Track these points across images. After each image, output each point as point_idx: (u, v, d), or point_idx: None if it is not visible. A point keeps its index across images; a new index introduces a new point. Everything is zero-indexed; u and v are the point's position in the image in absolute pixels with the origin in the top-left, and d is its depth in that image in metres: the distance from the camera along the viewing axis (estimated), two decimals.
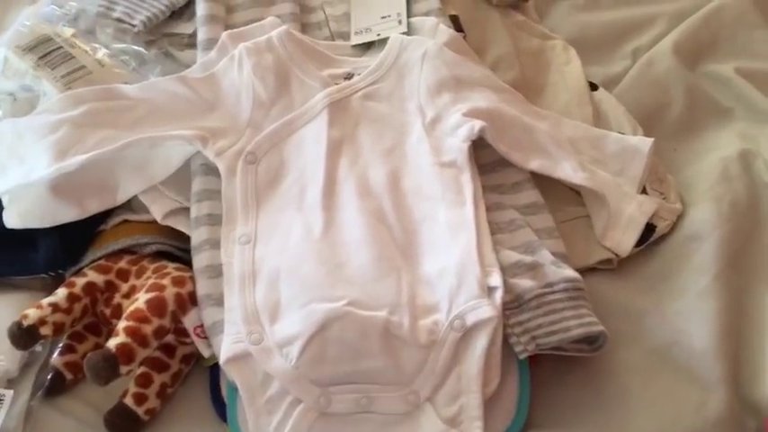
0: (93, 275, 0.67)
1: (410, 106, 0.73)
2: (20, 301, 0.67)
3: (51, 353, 0.66)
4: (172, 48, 0.83)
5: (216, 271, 0.66)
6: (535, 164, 0.72)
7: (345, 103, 0.73)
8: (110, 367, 0.59)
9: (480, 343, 0.60)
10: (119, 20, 0.82)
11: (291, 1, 0.83)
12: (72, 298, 0.65)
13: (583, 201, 0.75)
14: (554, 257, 0.66)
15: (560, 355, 0.63)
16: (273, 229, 0.67)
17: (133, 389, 0.63)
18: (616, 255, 0.72)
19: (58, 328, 0.63)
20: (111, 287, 0.67)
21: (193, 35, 0.82)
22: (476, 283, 0.62)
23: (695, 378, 0.63)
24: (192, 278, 0.66)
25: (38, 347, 0.65)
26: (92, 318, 0.67)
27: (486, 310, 0.60)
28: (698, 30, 0.91)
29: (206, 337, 0.64)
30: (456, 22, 0.83)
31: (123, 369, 0.60)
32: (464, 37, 0.81)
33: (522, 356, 0.62)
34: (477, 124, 0.70)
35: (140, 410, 0.62)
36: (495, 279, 0.62)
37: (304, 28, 0.83)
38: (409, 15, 0.81)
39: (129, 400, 0.62)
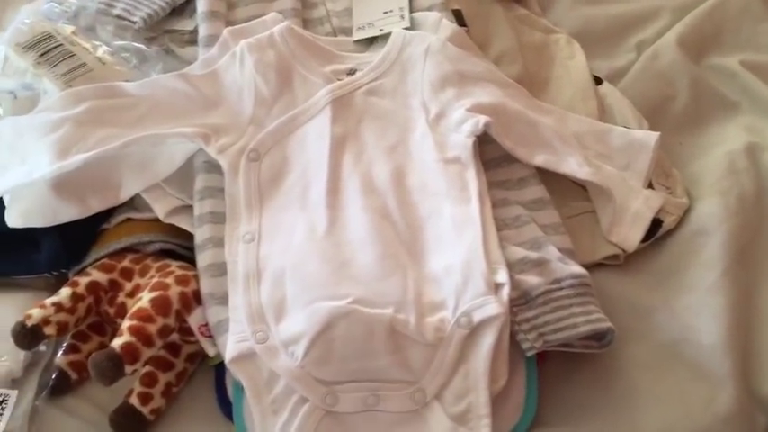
0: (96, 274, 0.66)
1: (414, 102, 0.73)
2: (23, 301, 0.67)
3: (55, 353, 0.66)
4: (173, 45, 0.82)
5: (219, 269, 0.65)
6: (540, 159, 0.71)
7: (348, 100, 0.73)
8: (114, 367, 0.59)
9: (487, 340, 0.59)
10: (119, 17, 0.81)
11: None
12: (76, 297, 0.64)
13: (589, 196, 0.74)
14: (560, 253, 0.65)
15: (568, 351, 0.63)
16: (277, 227, 0.66)
17: (138, 388, 0.62)
18: (623, 250, 0.71)
19: (62, 328, 0.63)
20: (114, 286, 0.66)
21: (194, 32, 0.81)
22: (482, 280, 0.61)
23: (704, 374, 0.63)
24: (196, 277, 0.66)
25: (42, 347, 0.65)
26: (96, 317, 0.67)
27: (494, 307, 0.60)
28: (702, 22, 0.90)
29: (211, 336, 0.64)
30: (459, 17, 0.83)
31: (128, 369, 0.59)
32: (467, 31, 0.80)
33: (530, 353, 0.61)
34: (482, 119, 0.69)
35: (146, 410, 0.62)
36: (502, 276, 0.62)
37: (306, 24, 0.82)
38: (412, 10, 0.80)
39: (134, 400, 0.62)
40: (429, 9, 0.81)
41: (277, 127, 0.71)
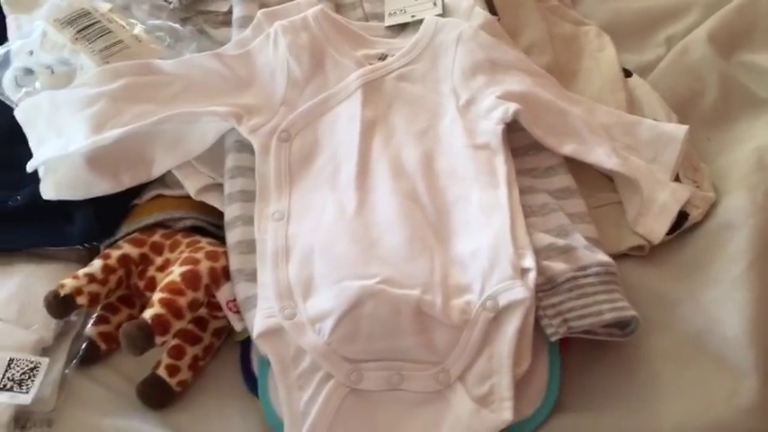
0: (127, 248, 0.67)
1: (444, 88, 0.73)
2: (55, 272, 0.68)
3: (85, 323, 0.67)
4: (206, 25, 0.83)
5: (249, 247, 0.66)
6: (569, 148, 0.71)
7: (379, 84, 0.73)
8: (145, 337, 0.60)
9: (512, 324, 0.60)
10: None
11: None
12: (107, 269, 0.65)
13: (615, 187, 0.74)
14: (587, 242, 0.66)
15: (591, 339, 0.63)
16: (307, 206, 0.67)
17: (166, 360, 0.63)
18: (648, 241, 0.71)
19: (94, 299, 0.64)
20: (145, 260, 0.67)
21: (228, 13, 0.82)
22: (509, 265, 0.62)
23: (727, 366, 0.63)
24: (225, 253, 0.66)
25: (73, 317, 0.66)
26: (125, 290, 0.68)
27: (519, 292, 0.60)
28: (733, 19, 0.90)
29: (238, 312, 0.64)
30: (490, 6, 0.83)
31: (158, 340, 0.60)
32: (498, 20, 0.81)
33: (554, 339, 0.61)
34: (512, 107, 0.69)
35: (173, 382, 0.63)
36: (529, 261, 0.62)
37: (338, 8, 0.83)
38: None
39: (161, 372, 0.63)
40: None
41: (308, 108, 0.72)
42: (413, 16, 0.80)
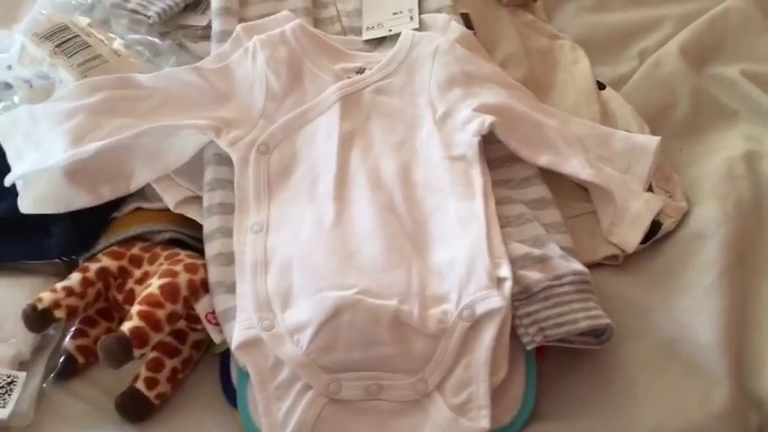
0: (106, 261, 0.67)
1: (421, 101, 0.74)
2: (33, 286, 0.68)
3: (63, 337, 0.67)
4: (186, 39, 0.84)
5: (227, 259, 0.66)
6: (544, 159, 0.72)
7: (357, 97, 0.74)
8: (123, 350, 0.60)
9: (489, 333, 0.61)
10: (133, 11, 0.83)
11: None
12: (86, 282, 0.65)
13: (589, 197, 0.75)
14: (562, 251, 0.67)
15: (567, 347, 0.64)
16: (285, 218, 0.68)
17: (144, 373, 0.63)
18: (622, 251, 0.72)
19: (72, 312, 0.64)
20: (124, 273, 0.67)
21: (207, 27, 0.83)
22: (485, 274, 0.62)
23: (700, 373, 0.64)
24: (204, 265, 0.67)
25: (51, 331, 0.66)
26: (104, 303, 0.68)
27: (496, 301, 0.61)
28: (704, 32, 0.92)
29: (217, 324, 0.65)
30: (467, 20, 0.84)
31: (136, 352, 0.60)
32: (474, 35, 0.82)
33: (530, 347, 0.62)
34: (488, 119, 0.71)
35: (151, 395, 0.63)
36: (505, 270, 0.63)
37: (316, 23, 0.84)
38: (420, 12, 0.82)
39: (140, 385, 0.63)
40: (438, 11, 0.82)
41: (287, 121, 0.72)
42: (390, 30, 0.81)
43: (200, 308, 0.65)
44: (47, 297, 0.64)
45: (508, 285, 0.62)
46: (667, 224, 0.74)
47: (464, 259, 0.64)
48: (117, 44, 0.78)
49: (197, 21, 0.84)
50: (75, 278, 0.66)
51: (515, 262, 0.65)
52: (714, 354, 0.64)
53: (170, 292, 0.63)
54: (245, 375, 0.62)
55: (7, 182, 0.69)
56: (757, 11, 0.94)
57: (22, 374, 0.62)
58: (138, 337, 0.60)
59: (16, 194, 0.70)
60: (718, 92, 0.87)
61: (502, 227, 0.67)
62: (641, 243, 0.73)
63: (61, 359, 0.65)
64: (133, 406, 0.63)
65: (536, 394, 0.62)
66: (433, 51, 0.76)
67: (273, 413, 0.59)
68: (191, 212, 0.71)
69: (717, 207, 0.74)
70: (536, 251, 0.66)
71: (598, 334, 0.64)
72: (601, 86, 0.86)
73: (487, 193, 0.68)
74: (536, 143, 0.73)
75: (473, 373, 0.60)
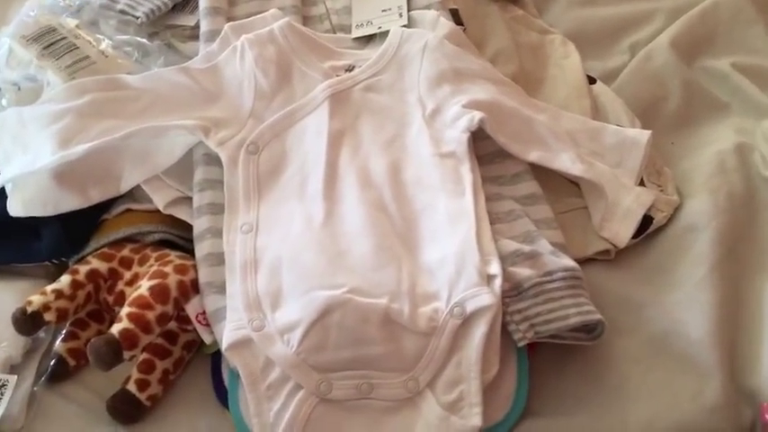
0: (96, 263, 0.67)
1: (410, 98, 0.74)
2: (23, 289, 0.68)
3: (54, 339, 0.67)
4: (174, 39, 0.83)
5: (218, 259, 0.66)
6: (534, 155, 0.72)
7: (346, 95, 0.74)
8: (113, 352, 0.60)
9: (480, 330, 0.60)
10: (122, 12, 0.82)
11: None
12: (76, 285, 0.65)
13: (581, 192, 0.75)
14: (553, 247, 0.67)
15: (558, 343, 0.64)
16: (275, 218, 0.67)
17: (136, 375, 0.63)
18: (614, 246, 0.72)
19: (62, 315, 0.64)
20: (114, 275, 0.67)
21: (196, 27, 0.82)
22: (475, 272, 0.62)
23: (692, 367, 0.64)
24: (195, 266, 0.67)
25: (41, 334, 0.66)
26: (95, 305, 0.68)
27: (486, 298, 0.61)
28: (695, 25, 0.92)
29: (208, 325, 0.65)
30: (456, 16, 0.84)
31: (126, 354, 0.60)
32: (464, 30, 0.82)
33: (521, 344, 0.62)
34: (477, 115, 0.70)
35: (143, 396, 0.63)
36: (495, 267, 0.63)
37: (305, 21, 0.83)
38: (409, 9, 0.81)
39: (131, 386, 0.63)
40: (427, 8, 0.82)
41: (276, 120, 0.72)
42: (379, 28, 0.80)
43: (191, 309, 0.65)
44: (36, 300, 0.63)
45: (498, 282, 0.62)
46: (659, 218, 0.74)
47: (454, 257, 0.63)
48: (105, 45, 0.77)
49: (185, 21, 0.84)
50: (64, 280, 0.66)
51: (506, 259, 0.65)
52: (706, 348, 0.64)
53: (160, 293, 0.63)
54: (236, 376, 0.62)
55: None
56: (748, 3, 0.93)
57: (13, 378, 0.62)
58: (128, 339, 0.60)
59: (5, 197, 0.70)
60: (710, 85, 0.87)
61: (492, 223, 0.67)
62: (633, 238, 0.72)
63: (52, 362, 0.65)
64: (124, 408, 0.63)
65: (528, 391, 0.62)
66: (422, 48, 0.75)
67: (264, 413, 0.59)
68: (180, 213, 0.71)
69: (708, 200, 0.74)
70: (526, 247, 0.66)
71: (589, 330, 0.64)
72: (591, 81, 0.85)
73: (477, 190, 0.68)
74: (526, 139, 0.73)
75: (464, 370, 0.60)
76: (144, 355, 0.64)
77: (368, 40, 0.81)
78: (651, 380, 0.64)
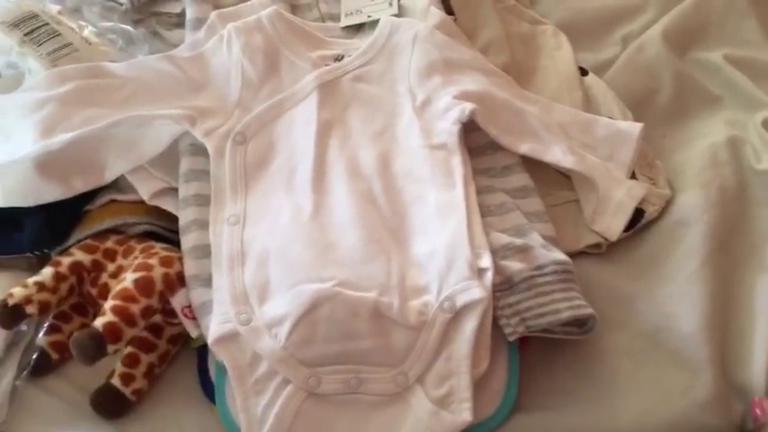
0: (79, 255, 0.66)
1: (400, 88, 0.73)
2: (5, 281, 0.66)
3: (37, 333, 0.65)
4: (159, 27, 0.82)
5: (204, 251, 0.65)
6: (525, 147, 0.71)
7: (335, 85, 0.73)
8: (96, 346, 0.58)
9: (470, 324, 0.60)
10: None
11: None
12: (58, 277, 0.64)
13: (572, 185, 0.75)
14: (544, 240, 0.66)
15: (549, 337, 0.63)
16: (263, 210, 0.66)
17: (120, 369, 0.62)
18: (605, 239, 0.72)
19: (44, 308, 0.63)
20: (97, 267, 0.66)
21: (182, 14, 0.81)
22: (466, 265, 0.62)
23: (683, 361, 0.64)
24: (180, 258, 0.65)
25: (23, 327, 0.65)
26: (78, 298, 0.67)
27: (476, 292, 0.60)
28: (687, 17, 0.91)
29: (194, 318, 0.63)
30: (447, 5, 0.83)
31: (110, 348, 0.59)
32: (454, 20, 0.81)
33: (512, 338, 0.62)
34: (468, 107, 0.69)
35: (127, 391, 0.62)
36: (486, 261, 0.62)
37: (294, 9, 0.82)
38: None
39: (116, 381, 0.62)
40: None
41: (264, 111, 0.71)
42: (369, 17, 0.79)
43: (177, 302, 0.64)
44: (18, 292, 0.62)
45: (489, 276, 0.62)
46: (650, 212, 0.73)
47: (444, 250, 0.63)
48: (88, 32, 0.76)
49: (171, 7, 0.83)
50: (47, 273, 0.64)
51: (497, 252, 0.64)
52: (697, 342, 0.64)
53: (144, 286, 0.62)
54: (223, 370, 0.61)
55: None
56: None
57: None
58: (112, 333, 0.59)
59: None
60: (702, 77, 0.87)
61: (483, 216, 0.66)
62: (624, 231, 0.72)
63: (34, 356, 0.64)
64: (109, 403, 0.62)
65: (518, 386, 0.62)
66: (412, 38, 0.74)
67: (252, 408, 0.58)
68: (166, 204, 0.70)
69: (700, 194, 0.73)
70: (518, 241, 0.65)
71: (581, 324, 0.64)
72: (583, 72, 0.85)
73: (468, 182, 0.67)
74: (517, 131, 0.72)
75: (454, 365, 0.59)
76: (128, 349, 0.63)
77: (357, 29, 0.80)
78: (642, 374, 0.63)
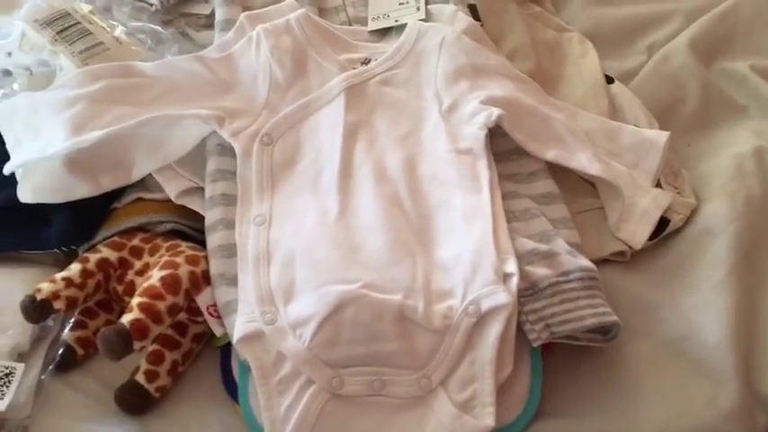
0: (106, 252, 0.67)
1: (427, 93, 0.73)
2: (32, 276, 0.67)
3: (62, 328, 0.66)
4: (188, 28, 0.83)
5: (229, 251, 0.65)
6: (551, 154, 0.71)
7: (362, 88, 0.73)
8: (123, 342, 0.59)
9: (494, 329, 0.60)
10: None
11: None
12: (85, 273, 0.65)
13: (597, 192, 0.74)
14: (569, 247, 0.66)
15: (573, 344, 0.63)
16: (289, 210, 0.67)
17: (144, 366, 0.63)
18: (630, 247, 0.71)
19: (71, 303, 0.63)
20: (124, 264, 0.66)
21: (211, 16, 0.82)
22: (491, 270, 0.62)
23: (707, 371, 0.63)
24: (206, 257, 0.66)
25: (49, 322, 0.65)
26: (104, 294, 0.67)
27: (502, 297, 0.60)
28: (714, 26, 0.91)
29: (219, 317, 0.64)
30: (474, 11, 0.83)
31: (136, 345, 0.60)
32: (481, 26, 0.81)
33: (536, 344, 0.61)
34: (495, 112, 0.70)
35: (151, 388, 0.62)
36: (511, 266, 0.62)
37: (321, 12, 0.82)
38: (427, 2, 0.81)
39: (140, 377, 0.62)
40: (445, 2, 0.81)
41: (291, 112, 0.71)
42: (396, 21, 0.79)
43: (202, 300, 0.64)
44: (46, 288, 0.63)
45: (514, 281, 0.61)
46: (675, 220, 0.73)
47: (470, 254, 0.63)
48: (119, 32, 0.77)
49: (200, 9, 0.83)
50: (74, 269, 0.65)
51: (522, 257, 0.64)
52: (722, 352, 0.64)
53: (171, 283, 0.62)
54: (246, 369, 0.61)
55: (6, 170, 0.69)
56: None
57: (21, 366, 0.62)
58: (139, 330, 0.60)
59: (15, 183, 0.69)
60: (728, 87, 0.86)
61: (508, 221, 0.66)
62: (649, 239, 0.72)
63: (60, 351, 0.65)
64: (133, 399, 0.62)
65: (541, 391, 0.61)
66: (439, 43, 0.75)
67: (275, 408, 0.58)
68: (193, 203, 0.70)
69: (726, 204, 0.73)
70: (543, 247, 0.65)
71: (605, 331, 0.63)
72: (609, 80, 0.85)
73: (494, 188, 0.67)
74: (543, 137, 0.72)
75: (478, 369, 0.59)
76: (153, 346, 0.63)
77: (384, 33, 0.80)
78: (666, 384, 0.63)
